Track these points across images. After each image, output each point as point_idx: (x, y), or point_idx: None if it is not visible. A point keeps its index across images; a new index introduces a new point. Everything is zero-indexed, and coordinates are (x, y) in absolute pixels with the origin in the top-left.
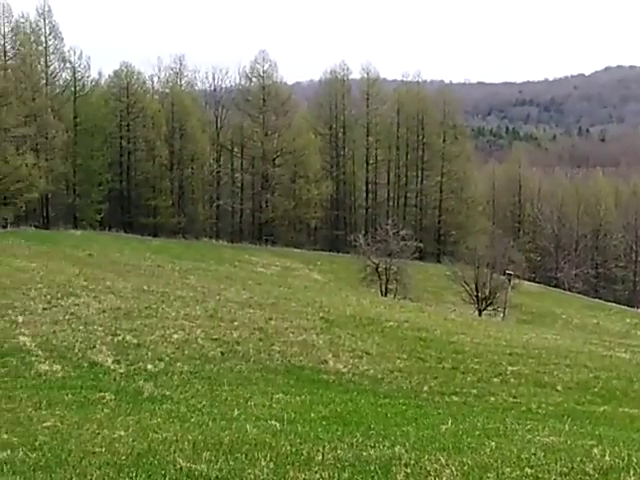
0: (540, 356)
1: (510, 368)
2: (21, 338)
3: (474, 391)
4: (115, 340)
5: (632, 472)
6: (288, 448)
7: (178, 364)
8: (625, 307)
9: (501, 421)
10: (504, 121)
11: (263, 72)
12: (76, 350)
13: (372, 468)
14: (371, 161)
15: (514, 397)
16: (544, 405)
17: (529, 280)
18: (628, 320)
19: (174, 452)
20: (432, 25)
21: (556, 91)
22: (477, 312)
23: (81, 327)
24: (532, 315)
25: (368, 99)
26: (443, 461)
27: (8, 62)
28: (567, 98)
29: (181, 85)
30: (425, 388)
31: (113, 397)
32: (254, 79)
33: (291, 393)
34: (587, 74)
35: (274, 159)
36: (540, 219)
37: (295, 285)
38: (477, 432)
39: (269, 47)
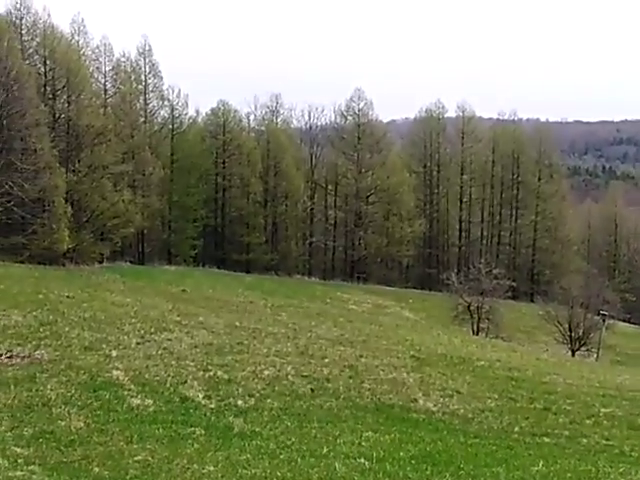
0: (634, 398)
1: (603, 410)
2: (114, 372)
3: (566, 432)
4: (206, 375)
5: None
6: None
7: (268, 400)
8: None
9: (593, 464)
10: (601, 160)
11: (358, 110)
12: (168, 385)
13: None
14: (465, 199)
15: (607, 439)
16: (637, 448)
17: (624, 321)
18: None
19: None
20: (528, 63)
21: None
22: (570, 352)
23: (173, 362)
24: (627, 356)
25: (463, 137)
26: None
27: (108, 100)
28: None
29: (277, 123)
30: (516, 429)
31: (203, 432)
32: (349, 117)
33: (380, 431)
34: None
35: (368, 197)
36: (636, 259)
37: (386, 323)
38: (569, 475)
39: (365, 85)
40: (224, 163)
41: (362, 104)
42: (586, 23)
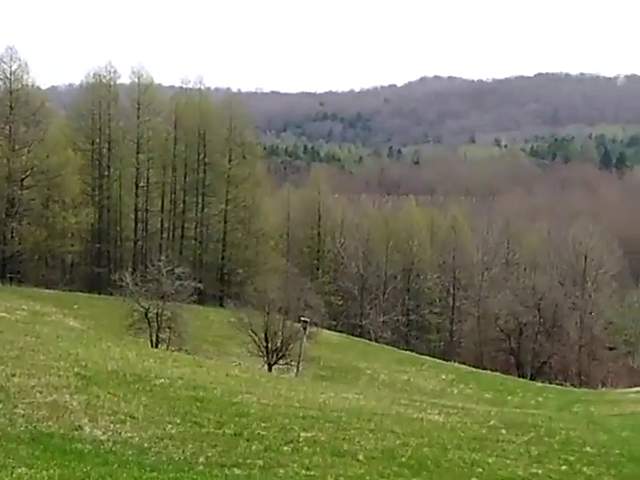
0: (339, 420)
1: (303, 434)
2: None
3: (260, 462)
4: None
5: None
6: None
7: None
8: (440, 361)
9: None
10: (302, 138)
11: (10, 74)
12: None
13: None
14: (142, 184)
15: (307, 469)
16: (342, 478)
17: (329, 328)
18: (443, 376)
19: None
20: (220, 23)
21: (363, 104)
22: (266, 366)
23: None
24: (332, 370)
25: (139, 109)
26: None
27: None
28: (376, 113)
29: None
30: (201, 459)
31: None
32: None
33: (37, 467)
34: (399, 85)
35: (22, 180)
36: (343, 256)
37: (45, 333)
38: None
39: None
40: None
41: (15, 66)
42: None
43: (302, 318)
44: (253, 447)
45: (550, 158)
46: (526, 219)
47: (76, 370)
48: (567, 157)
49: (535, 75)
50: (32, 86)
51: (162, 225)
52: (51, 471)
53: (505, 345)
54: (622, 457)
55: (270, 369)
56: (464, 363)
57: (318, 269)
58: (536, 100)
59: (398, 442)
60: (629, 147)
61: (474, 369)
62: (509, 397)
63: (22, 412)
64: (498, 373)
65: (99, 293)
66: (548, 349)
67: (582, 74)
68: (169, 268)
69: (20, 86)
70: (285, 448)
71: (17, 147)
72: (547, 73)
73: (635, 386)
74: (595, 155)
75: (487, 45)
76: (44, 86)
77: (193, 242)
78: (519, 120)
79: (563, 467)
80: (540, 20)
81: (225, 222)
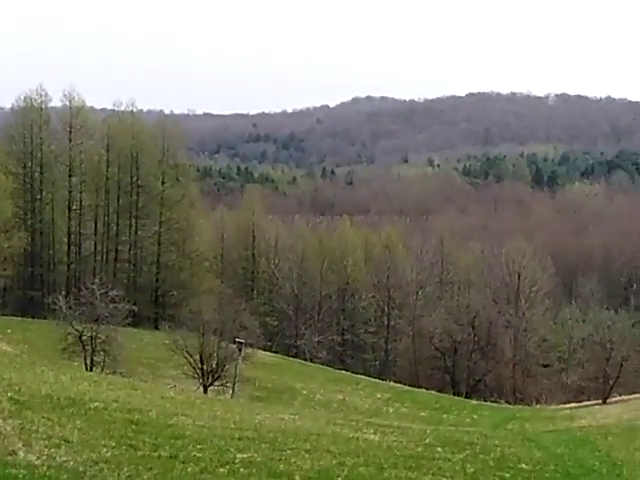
0: (275, 440)
1: (239, 455)
2: None
3: None
4: None
5: None
6: None
7: None
8: (376, 380)
9: None
10: (235, 160)
11: None
12: None
13: None
14: (74, 207)
15: None
16: None
17: (264, 349)
18: (379, 395)
19: None
20: (151, 45)
21: (296, 125)
22: (202, 388)
23: None
24: (267, 391)
25: (71, 132)
26: None
27: None
28: (309, 133)
29: None
30: None
31: None
32: None
33: None
34: (332, 106)
35: None
36: (277, 277)
37: None
38: None
39: None
40: None
41: None
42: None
43: (237, 339)
44: (189, 469)
45: (483, 177)
46: (460, 238)
47: (9, 395)
48: (499, 176)
49: (467, 95)
50: None
51: (95, 248)
52: None
53: (440, 363)
54: (557, 473)
55: (206, 391)
56: (400, 382)
57: (253, 290)
58: (468, 119)
59: (334, 462)
60: (560, 166)
61: (410, 388)
62: (444, 415)
63: None
64: (433, 391)
65: (32, 317)
66: (483, 367)
67: (513, 93)
68: (103, 291)
69: None
70: (221, 470)
71: None
72: (478, 92)
73: (569, 402)
74: (527, 174)
75: (419, 65)
76: None
77: (127, 265)
78: (451, 139)
79: None
80: (471, 40)
81: (159, 244)
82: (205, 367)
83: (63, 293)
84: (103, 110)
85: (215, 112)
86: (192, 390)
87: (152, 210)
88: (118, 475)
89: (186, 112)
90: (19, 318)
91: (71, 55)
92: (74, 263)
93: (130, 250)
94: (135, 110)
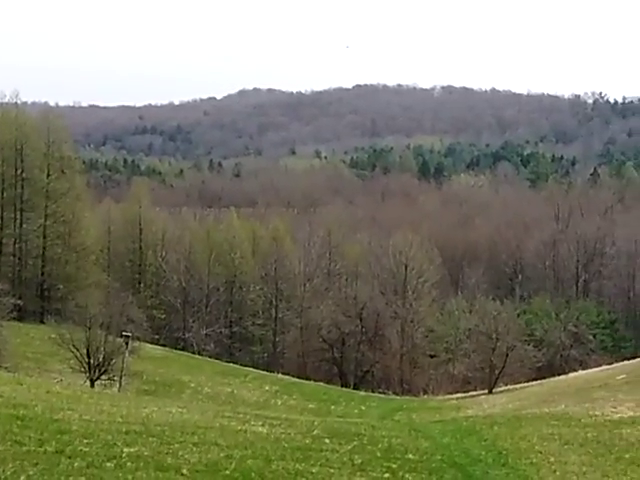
0: (163, 434)
1: (127, 450)
2: None
3: (82, 479)
4: None
5: None
6: None
7: None
8: (264, 372)
9: None
10: (122, 152)
11: None
12: None
13: None
14: None
15: None
16: None
17: (152, 342)
18: (267, 387)
19: None
20: (35, 35)
21: (183, 117)
22: (89, 382)
23: None
24: (155, 384)
25: None
26: None
27: None
28: (196, 126)
29: None
30: (22, 478)
31: None
32: None
33: None
34: (219, 98)
35: None
36: (165, 270)
37: None
38: None
39: None
40: None
41: None
42: None
43: (124, 333)
44: (75, 464)
45: (370, 169)
46: (347, 230)
47: None
48: (386, 168)
49: (353, 86)
50: None
51: None
52: None
53: (328, 355)
54: (443, 463)
55: (92, 385)
56: (288, 374)
57: (140, 283)
58: (354, 111)
59: (222, 455)
60: (446, 157)
61: (298, 380)
62: (332, 407)
63: None
64: (321, 383)
65: None
66: (370, 358)
67: (399, 85)
68: None
69: None
70: (108, 464)
71: None
72: (365, 84)
73: (455, 392)
74: (414, 165)
75: (305, 57)
76: None
77: (12, 258)
78: (338, 131)
79: (386, 475)
80: (356, 32)
81: (44, 237)
82: (92, 361)
83: None
84: None
85: (101, 104)
86: (79, 384)
87: (37, 203)
88: (3, 471)
89: (71, 104)
90: None
91: None
92: None
93: (15, 244)
94: (19, 102)
